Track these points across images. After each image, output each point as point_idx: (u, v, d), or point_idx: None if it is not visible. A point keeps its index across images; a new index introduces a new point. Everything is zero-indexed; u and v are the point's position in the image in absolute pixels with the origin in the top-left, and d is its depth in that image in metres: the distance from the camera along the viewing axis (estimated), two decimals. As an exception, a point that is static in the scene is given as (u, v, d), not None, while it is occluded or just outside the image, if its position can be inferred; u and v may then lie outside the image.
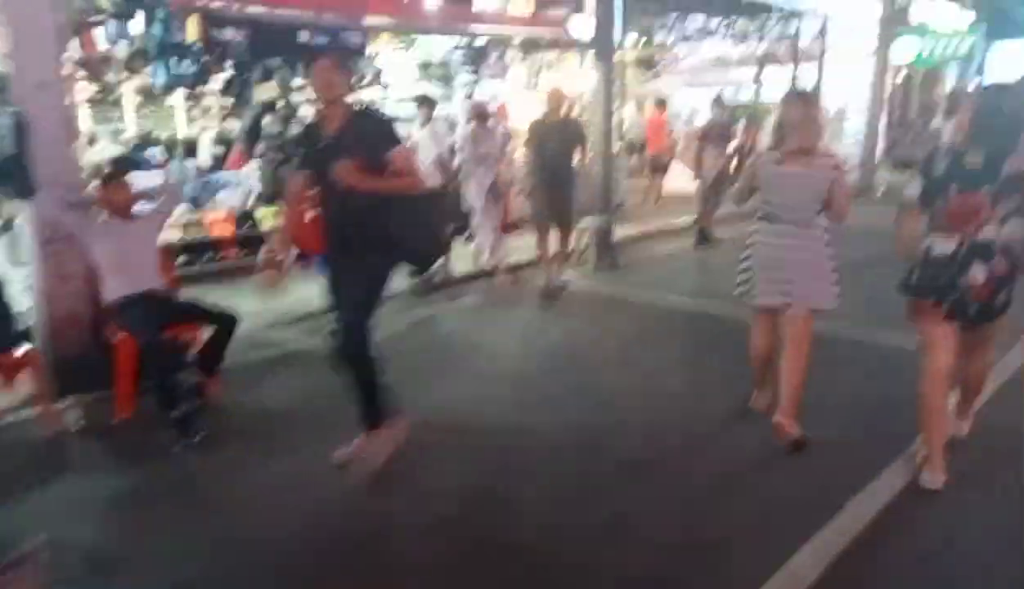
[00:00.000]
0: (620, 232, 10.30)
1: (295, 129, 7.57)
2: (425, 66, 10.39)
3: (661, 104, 13.96)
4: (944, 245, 3.35)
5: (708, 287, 7.80)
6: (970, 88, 24.43)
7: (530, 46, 10.30)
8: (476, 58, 10.16)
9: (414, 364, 5.42)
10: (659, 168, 13.52)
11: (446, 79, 10.39)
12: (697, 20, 16.88)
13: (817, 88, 17.95)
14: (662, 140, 13.47)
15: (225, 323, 4.72)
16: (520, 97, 10.73)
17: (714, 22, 17.03)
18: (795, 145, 3.84)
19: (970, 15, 21.75)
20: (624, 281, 8.38)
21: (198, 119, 9.21)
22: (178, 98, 8.79)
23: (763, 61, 18.38)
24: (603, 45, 8.97)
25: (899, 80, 22.83)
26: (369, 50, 9.73)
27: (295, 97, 8.72)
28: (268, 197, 8.04)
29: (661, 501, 3.69)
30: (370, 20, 8.50)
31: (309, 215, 4.19)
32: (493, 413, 4.73)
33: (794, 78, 17.81)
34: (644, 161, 13.90)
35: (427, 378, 5.25)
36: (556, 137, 7.16)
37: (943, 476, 3.54)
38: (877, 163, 15.66)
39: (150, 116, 9.08)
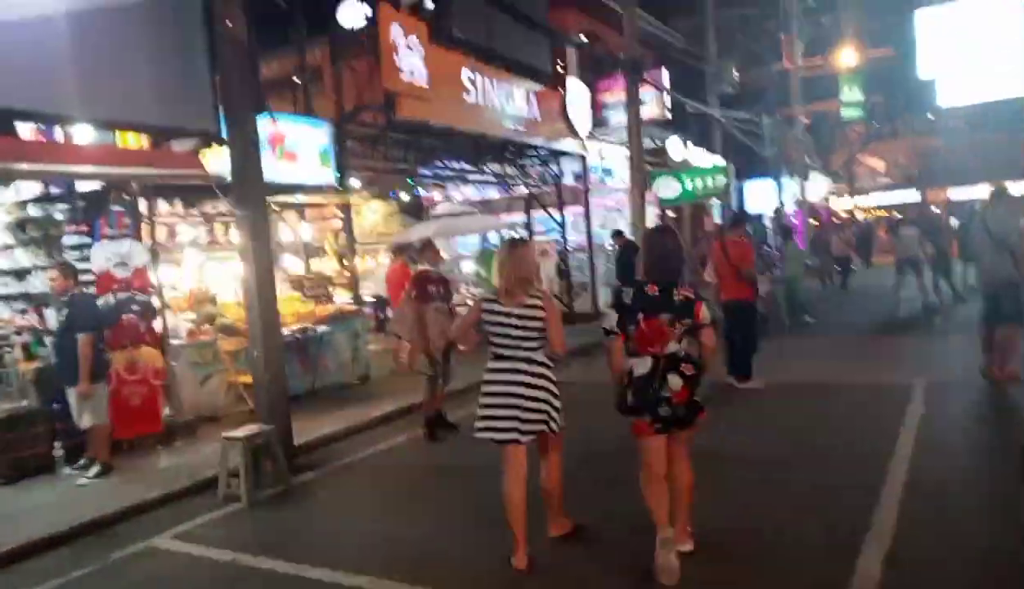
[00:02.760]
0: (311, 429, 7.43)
1: None
2: (20, 224, 7.33)
3: (399, 251, 11.60)
4: (642, 366, 3.87)
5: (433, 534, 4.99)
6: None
7: (154, 189, 7.42)
8: (89, 210, 7.17)
9: None
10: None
11: (47, 241, 7.33)
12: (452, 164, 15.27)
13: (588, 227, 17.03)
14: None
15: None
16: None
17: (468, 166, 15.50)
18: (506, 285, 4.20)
19: (718, 158, 22.42)
20: (279, 532, 5.33)
21: None
22: None
23: (529, 203, 17.08)
24: (252, 181, 6.35)
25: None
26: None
27: None
28: None
29: None
30: None
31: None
32: None
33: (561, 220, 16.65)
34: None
35: None
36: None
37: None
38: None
39: None
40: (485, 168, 15.47)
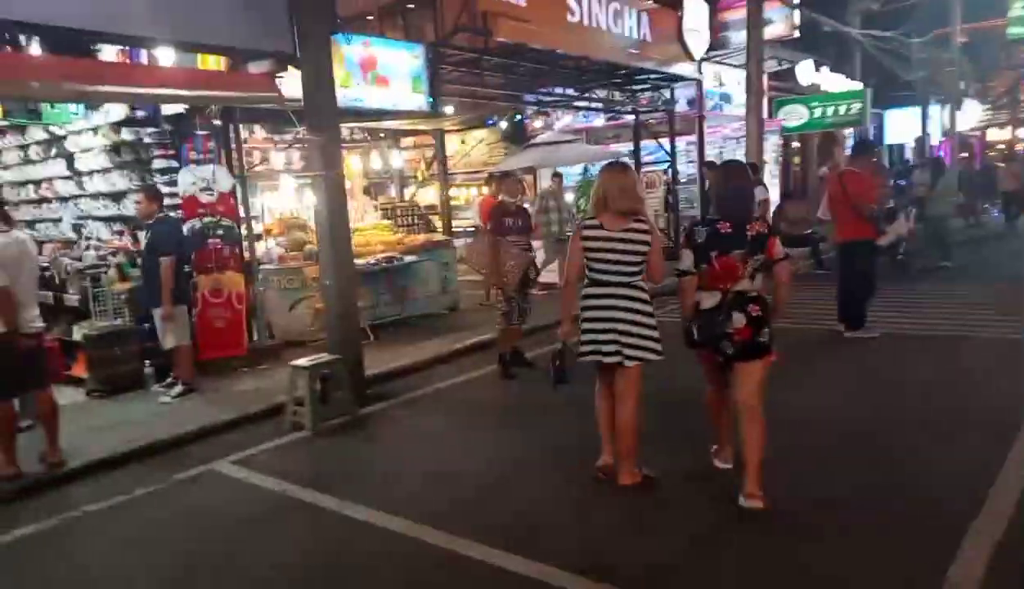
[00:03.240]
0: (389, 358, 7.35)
1: None
2: (115, 147, 7.47)
3: (489, 181, 11.29)
4: (710, 299, 3.91)
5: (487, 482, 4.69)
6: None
7: (243, 113, 7.32)
8: (175, 134, 7.19)
9: None
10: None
11: (140, 164, 7.43)
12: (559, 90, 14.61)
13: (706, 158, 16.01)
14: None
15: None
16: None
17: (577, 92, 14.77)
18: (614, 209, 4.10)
19: (856, 84, 20.43)
20: (334, 464, 5.25)
21: None
22: None
23: (637, 132, 16.18)
24: (324, 108, 6.12)
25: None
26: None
27: None
28: None
29: None
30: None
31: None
32: None
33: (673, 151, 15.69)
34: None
35: None
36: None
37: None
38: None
39: None
40: (590, 94, 14.72)
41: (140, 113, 7.05)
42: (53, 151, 8.83)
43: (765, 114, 17.87)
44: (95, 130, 7.59)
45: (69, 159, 8.53)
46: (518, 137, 16.90)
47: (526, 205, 7.86)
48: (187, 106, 6.96)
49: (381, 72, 9.62)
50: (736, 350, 3.85)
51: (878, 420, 5.24)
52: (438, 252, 10.36)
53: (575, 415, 5.20)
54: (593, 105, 15.22)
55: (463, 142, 18.50)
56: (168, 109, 7.10)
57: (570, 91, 14.76)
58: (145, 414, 6.33)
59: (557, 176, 11.70)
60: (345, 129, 10.62)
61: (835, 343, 7.54)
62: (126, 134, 7.40)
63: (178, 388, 6.70)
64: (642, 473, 4.26)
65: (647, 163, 16.58)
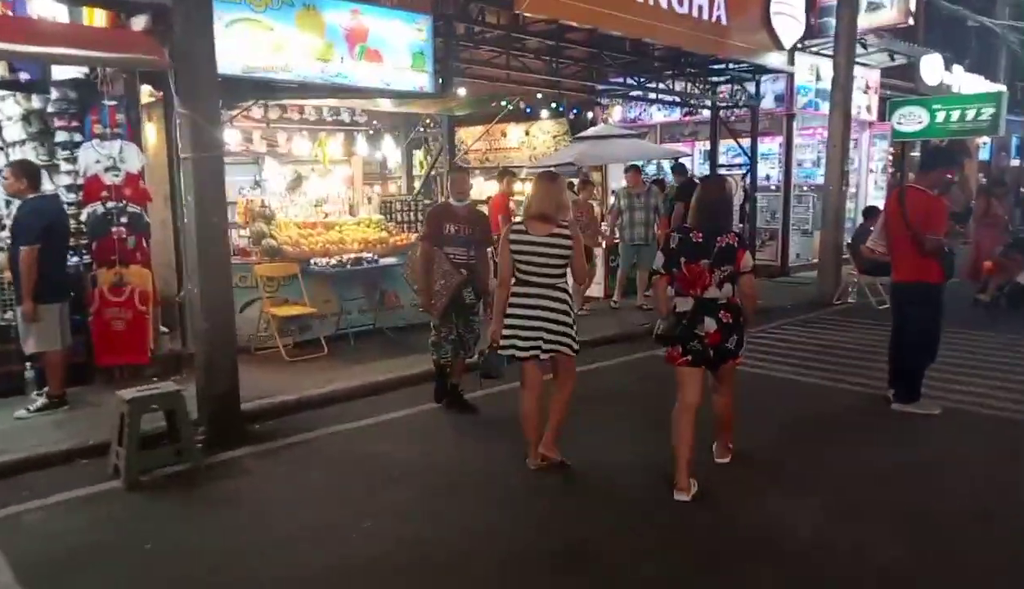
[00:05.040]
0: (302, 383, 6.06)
1: None
2: (26, 117, 6.51)
3: (501, 176, 9.81)
4: (684, 304, 4.10)
5: None
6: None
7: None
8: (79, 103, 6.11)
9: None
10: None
11: (46, 136, 6.42)
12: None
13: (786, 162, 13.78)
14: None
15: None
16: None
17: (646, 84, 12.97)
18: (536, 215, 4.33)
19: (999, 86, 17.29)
20: (111, 544, 3.94)
21: None
22: None
23: (714, 129, 14.14)
24: (199, 73, 4.82)
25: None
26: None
27: None
28: None
29: None
30: None
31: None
32: None
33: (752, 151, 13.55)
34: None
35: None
36: None
37: (687, 493, 4.08)
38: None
39: None
40: (650, 83, 12.85)
41: (23, 75, 6.05)
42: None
43: (875, 115, 15.44)
44: (13, 96, 6.69)
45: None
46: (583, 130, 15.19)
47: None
48: (88, 70, 5.89)
49: (372, 45, 8.27)
50: (705, 352, 4.07)
51: (923, 563, 3.42)
52: (432, 255, 8.96)
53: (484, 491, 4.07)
54: (653, 96, 13.32)
55: (527, 133, 17.02)
56: (61, 73, 6.05)
57: (632, 80, 13.04)
58: (-13, 430, 5.32)
59: (634, 170, 9.92)
60: (329, 108, 9.33)
61: (878, 416, 5.57)
62: (36, 102, 6.43)
63: (40, 400, 5.66)
64: (559, 457, 4.52)
65: (724, 166, 14.53)
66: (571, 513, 4.11)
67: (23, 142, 6.73)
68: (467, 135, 17.73)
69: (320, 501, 4.27)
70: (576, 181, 11.34)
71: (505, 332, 4.36)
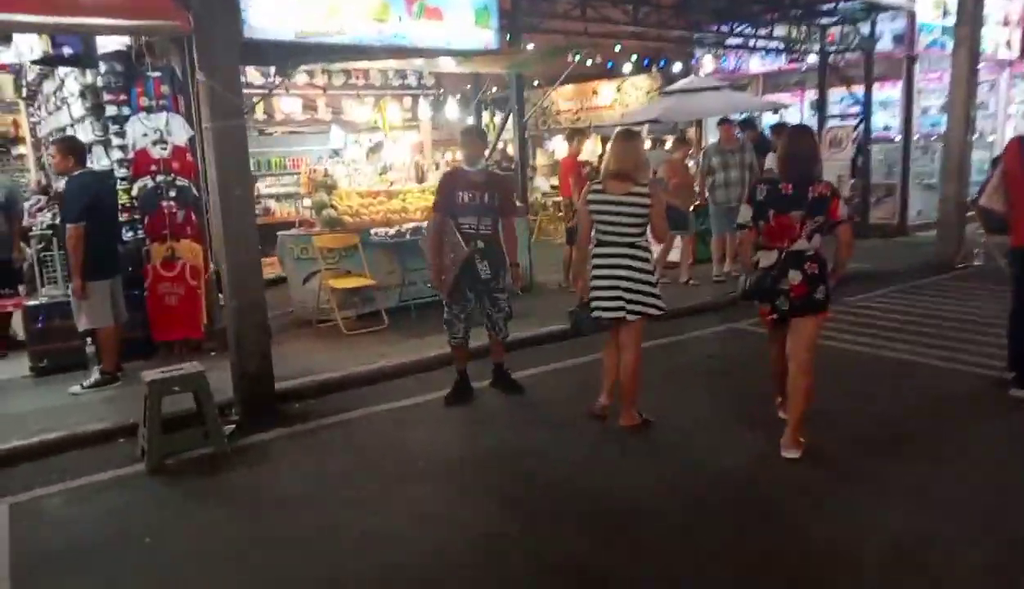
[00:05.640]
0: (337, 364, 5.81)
1: None
2: (83, 92, 6.48)
3: (572, 136, 9.13)
4: (768, 258, 3.97)
5: None
6: None
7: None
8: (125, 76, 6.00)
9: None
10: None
11: (98, 111, 6.34)
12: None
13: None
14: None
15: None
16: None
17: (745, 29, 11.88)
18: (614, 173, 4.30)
19: None
20: (126, 527, 3.78)
21: None
22: None
23: (824, 77, 12.83)
24: (219, 38, 4.55)
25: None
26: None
27: None
28: None
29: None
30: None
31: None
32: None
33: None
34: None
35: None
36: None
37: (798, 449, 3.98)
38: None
39: None
40: (748, 29, 11.74)
41: (67, 49, 5.98)
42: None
43: (1018, 52, 13.55)
44: (73, 73, 6.70)
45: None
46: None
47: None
48: (129, 41, 5.77)
49: (431, 2, 7.83)
50: (792, 306, 3.93)
51: None
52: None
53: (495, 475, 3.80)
54: (759, 44, 12.17)
55: (619, 89, 16.15)
56: (106, 45, 5.94)
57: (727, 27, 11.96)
58: (37, 405, 5.37)
59: (727, 124, 8.90)
60: (395, 71, 8.96)
61: (994, 404, 4.71)
62: (91, 77, 6.41)
63: (94, 376, 5.68)
64: (641, 416, 4.54)
65: (835, 116, 13.20)
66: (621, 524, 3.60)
67: (82, 118, 6.75)
68: (559, 95, 17.11)
69: (333, 496, 3.95)
70: (671, 139, 10.56)
71: (592, 294, 4.39)
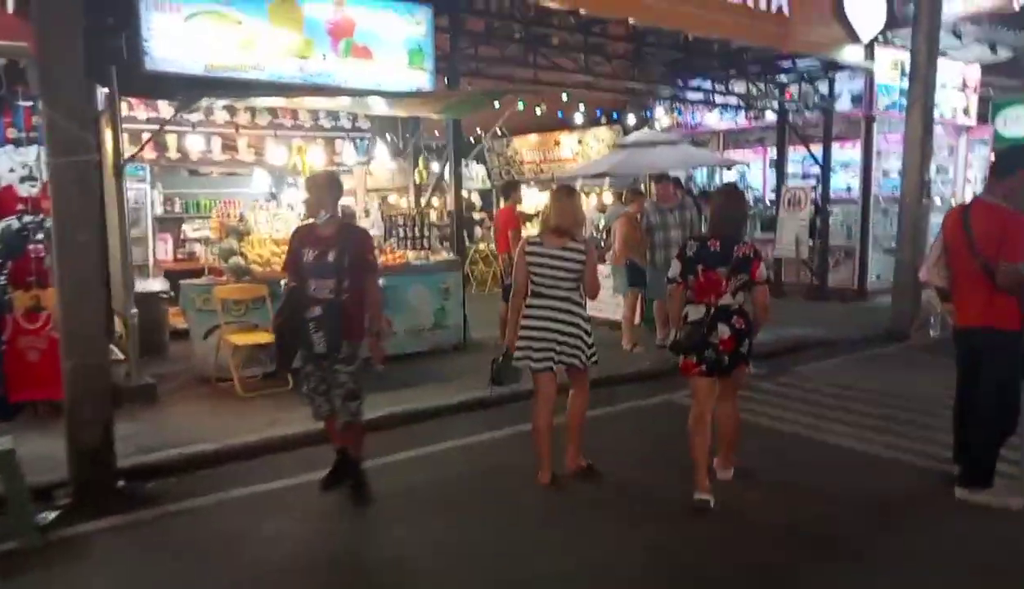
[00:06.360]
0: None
1: None
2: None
3: (506, 189, 8.63)
4: (696, 312, 4.09)
5: None
6: None
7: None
8: None
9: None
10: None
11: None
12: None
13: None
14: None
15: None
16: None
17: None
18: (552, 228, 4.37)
19: None
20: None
21: None
22: None
23: (782, 135, 12.55)
24: (63, 66, 3.95)
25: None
26: None
27: None
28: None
29: None
30: None
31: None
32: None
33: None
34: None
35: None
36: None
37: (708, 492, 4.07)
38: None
39: None
40: (705, 83, 11.45)
41: None
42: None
43: (975, 118, 13.37)
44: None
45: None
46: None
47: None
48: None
49: (360, 40, 7.34)
50: (720, 359, 4.03)
51: None
52: (431, 275, 7.92)
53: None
54: (716, 99, 11.88)
55: (580, 142, 15.82)
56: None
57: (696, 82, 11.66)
58: None
59: (664, 181, 8.23)
60: (309, 112, 8.44)
61: (938, 504, 4.10)
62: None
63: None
64: (586, 462, 4.56)
65: (795, 176, 12.89)
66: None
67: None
68: (523, 145, 16.79)
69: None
70: (625, 191, 10.09)
71: (520, 343, 4.36)
